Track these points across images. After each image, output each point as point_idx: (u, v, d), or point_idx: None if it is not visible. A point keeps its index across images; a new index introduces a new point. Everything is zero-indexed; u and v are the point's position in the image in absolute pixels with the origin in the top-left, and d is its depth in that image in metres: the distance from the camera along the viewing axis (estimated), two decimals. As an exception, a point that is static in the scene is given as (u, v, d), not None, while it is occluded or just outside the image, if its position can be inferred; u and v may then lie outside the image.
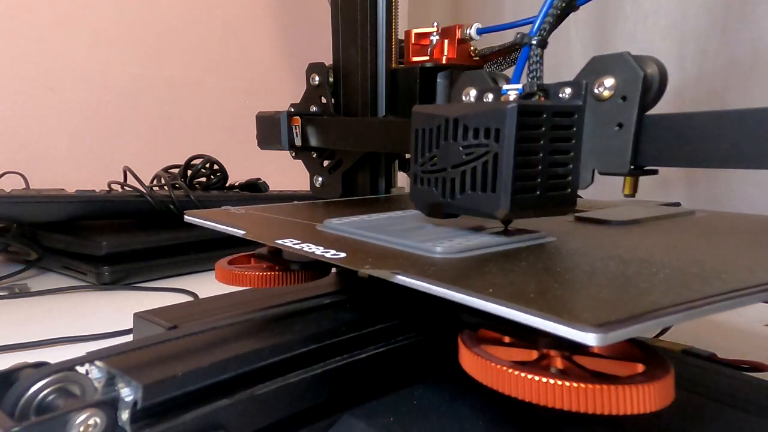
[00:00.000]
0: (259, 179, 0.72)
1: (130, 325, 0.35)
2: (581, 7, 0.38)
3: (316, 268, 0.34)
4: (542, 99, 0.32)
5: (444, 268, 0.23)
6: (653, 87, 0.29)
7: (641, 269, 0.23)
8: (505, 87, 0.32)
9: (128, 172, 0.65)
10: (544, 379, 0.19)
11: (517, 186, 0.28)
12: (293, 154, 0.51)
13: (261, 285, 0.32)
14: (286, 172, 0.64)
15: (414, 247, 0.26)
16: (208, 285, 0.56)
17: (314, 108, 0.49)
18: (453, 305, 0.20)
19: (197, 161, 0.73)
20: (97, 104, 0.85)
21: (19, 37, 0.78)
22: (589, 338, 0.16)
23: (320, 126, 0.47)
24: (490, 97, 0.33)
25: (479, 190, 0.29)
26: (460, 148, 0.29)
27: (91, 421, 0.19)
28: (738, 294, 0.20)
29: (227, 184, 0.73)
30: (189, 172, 0.72)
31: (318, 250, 0.26)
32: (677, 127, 0.29)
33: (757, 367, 0.30)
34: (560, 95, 0.31)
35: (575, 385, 0.19)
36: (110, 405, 0.20)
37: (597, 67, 0.31)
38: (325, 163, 0.50)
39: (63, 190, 0.63)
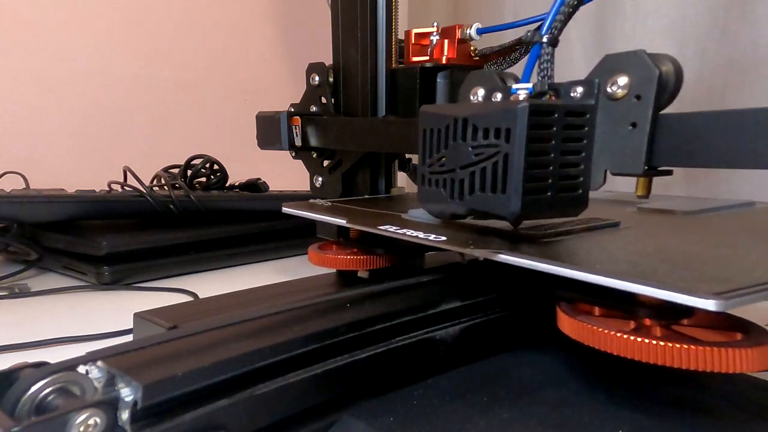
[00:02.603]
0: (259, 179, 0.72)
1: (130, 325, 0.35)
2: (581, 7, 0.39)
3: (397, 251, 0.37)
4: (553, 98, 0.31)
5: (540, 246, 0.25)
6: (669, 86, 0.29)
7: (730, 251, 0.25)
8: (514, 86, 0.31)
9: (128, 172, 0.65)
10: (662, 343, 0.22)
11: (528, 187, 0.27)
12: (293, 154, 0.51)
13: (354, 267, 0.36)
14: (286, 172, 0.64)
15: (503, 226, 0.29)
16: (208, 285, 0.56)
17: (314, 108, 0.49)
18: (545, 281, 0.24)
19: (197, 161, 0.73)
20: (97, 104, 0.85)
21: (19, 38, 0.78)
22: (713, 305, 0.18)
23: (320, 126, 0.47)
24: (499, 96, 0.33)
25: (489, 191, 0.28)
26: (470, 149, 0.29)
27: (91, 421, 0.19)
28: None
29: (227, 184, 0.73)
30: (189, 172, 0.72)
31: (421, 235, 0.28)
32: (693, 126, 0.28)
33: (758, 367, 0.30)
34: (572, 94, 0.31)
35: (685, 346, 0.21)
36: (110, 405, 0.20)
37: (610, 65, 0.30)
38: (325, 163, 0.50)
39: (63, 190, 0.63)
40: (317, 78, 0.48)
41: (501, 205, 0.28)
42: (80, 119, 0.84)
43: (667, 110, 0.29)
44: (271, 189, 0.72)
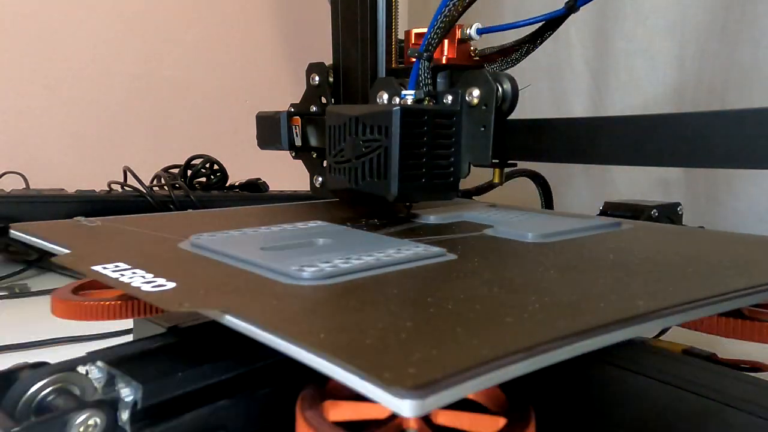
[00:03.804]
0: (259, 179, 0.72)
1: (130, 325, 0.35)
2: (581, 8, 0.39)
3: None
4: (430, 103, 0.38)
5: (293, 300, 0.20)
6: (507, 98, 0.37)
7: (520, 298, 0.21)
8: (403, 92, 0.38)
9: (128, 172, 0.65)
10: None
11: (404, 174, 0.34)
12: (293, 154, 0.51)
13: (108, 317, 0.25)
14: (286, 172, 0.64)
15: (276, 272, 0.23)
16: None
17: (314, 108, 0.49)
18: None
19: (197, 161, 0.73)
20: (97, 104, 0.85)
21: (19, 38, 0.78)
22: (403, 407, 0.13)
23: (320, 126, 0.47)
24: (397, 100, 0.39)
25: (375, 177, 0.34)
26: (361, 142, 0.35)
27: (91, 422, 0.19)
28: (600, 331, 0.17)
29: (227, 184, 0.73)
30: (189, 172, 0.72)
31: (138, 280, 0.22)
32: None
33: (757, 367, 0.30)
34: (444, 101, 0.38)
35: None
36: (110, 405, 0.20)
37: (469, 79, 0.38)
38: (325, 163, 0.50)
39: (63, 190, 0.63)
40: (317, 78, 0.48)
41: (384, 188, 0.34)
42: (80, 119, 0.83)
43: (668, 109, 0.29)
44: (271, 189, 0.72)
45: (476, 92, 0.37)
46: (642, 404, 0.26)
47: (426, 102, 0.38)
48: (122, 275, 0.22)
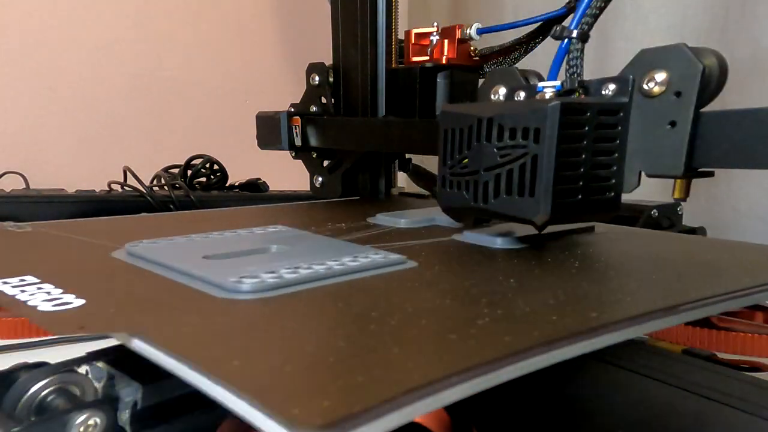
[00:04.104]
0: (259, 179, 0.72)
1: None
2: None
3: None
4: (582, 96, 0.29)
5: (220, 319, 0.19)
6: (712, 82, 0.27)
7: (472, 310, 0.19)
8: (540, 84, 0.30)
9: (128, 172, 0.65)
10: None
11: (558, 189, 0.26)
12: (293, 154, 0.51)
13: (9, 335, 0.24)
14: (286, 172, 0.64)
15: (212, 284, 0.21)
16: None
17: (314, 108, 0.49)
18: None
19: (197, 161, 0.73)
20: (97, 104, 0.85)
21: (19, 38, 0.78)
22: None
23: (320, 126, 0.47)
24: (522, 95, 0.31)
25: (516, 194, 0.27)
26: (495, 150, 0.27)
27: (91, 422, 0.19)
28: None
29: (227, 184, 0.73)
30: (189, 172, 0.72)
31: (39, 298, 0.19)
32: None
33: (757, 367, 0.30)
34: (603, 92, 0.29)
35: None
36: (110, 405, 0.20)
37: (647, 60, 0.28)
38: (325, 163, 0.50)
39: (63, 190, 0.63)
40: (317, 78, 0.48)
41: (529, 208, 0.27)
42: (80, 119, 0.83)
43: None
44: (271, 189, 0.72)
45: (661, 76, 0.27)
46: (642, 404, 0.26)
47: (577, 95, 0.30)
48: (22, 291, 0.20)
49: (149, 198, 0.60)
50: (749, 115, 0.26)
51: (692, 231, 0.48)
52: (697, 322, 0.27)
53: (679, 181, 0.29)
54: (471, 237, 0.31)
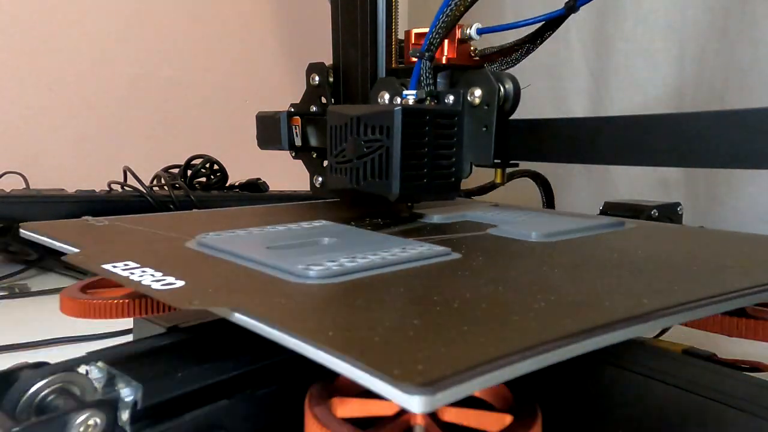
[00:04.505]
0: (259, 179, 0.72)
1: (130, 325, 0.35)
2: (581, 8, 0.39)
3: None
4: (433, 104, 0.38)
5: (301, 299, 0.20)
6: (509, 98, 0.37)
7: (525, 297, 0.21)
8: (405, 92, 0.38)
9: (128, 172, 0.65)
10: None
11: (405, 174, 0.34)
12: (293, 154, 0.51)
13: (116, 315, 0.25)
14: (286, 172, 0.64)
15: (283, 270, 0.23)
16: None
17: (314, 108, 0.49)
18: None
19: (197, 161, 0.73)
20: (97, 104, 0.85)
21: (19, 37, 0.78)
22: (412, 403, 0.13)
23: (320, 126, 0.47)
24: (398, 100, 0.39)
25: (377, 177, 0.34)
26: (362, 142, 0.35)
27: (91, 422, 0.19)
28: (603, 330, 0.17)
29: (227, 184, 0.73)
30: (189, 172, 0.72)
31: (148, 279, 0.22)
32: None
33: (757, 367, 0.30)
34: (446, 101, 0.38)
35: None
36: (110, 405, 0.20)
37: (469, 79, 0.38)
38: (325, 163, 0.50)
39: (63, 190, 0.63)
40: (317, 78, 0.48)
41: (385, 188, 0.34)
42: (80, 119, 0.83)
43: (668, 109, 0.29)
44: (271, 189, 0.72)
45: (478, 92, 0.37)
46: (642, 404, 0.26)
47: (427, 102, 0.38)
48: (132, 274, 0.22)
49: (149, 198, 0.60)
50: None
51: (692, 231, 0.48)
52: (732, 312, 0.28)
53: (497, 170, 0.39)
54: (505, 231, 0.32)
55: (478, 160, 0.38)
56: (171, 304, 0.20)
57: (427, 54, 0.38)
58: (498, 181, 0.40)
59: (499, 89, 0.37)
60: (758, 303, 0.27)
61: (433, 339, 0.16)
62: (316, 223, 0.34)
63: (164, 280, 0.22)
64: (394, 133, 0.33)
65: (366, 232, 0.32)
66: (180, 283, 0.21)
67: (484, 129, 0.37)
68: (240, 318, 0.18)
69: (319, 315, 0.19)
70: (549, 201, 0.58)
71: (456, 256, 0.27)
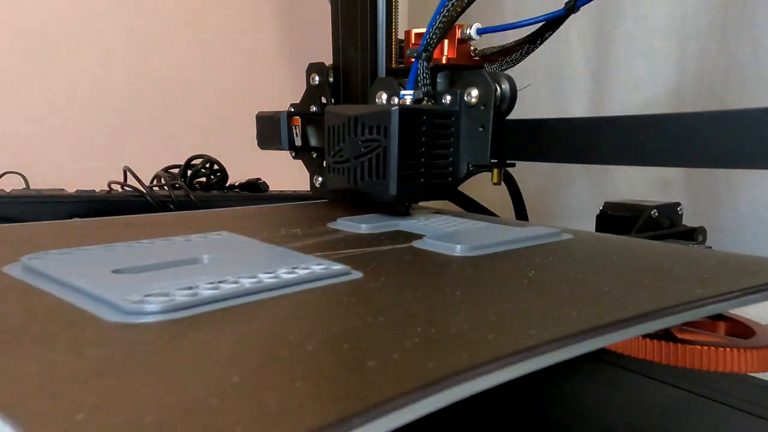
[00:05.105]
0: (259, 179, 0.72)
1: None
2: (581, 8, 0.39)
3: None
4: (430, 104, 0.38)
5: (88, 351, 0.16)
6: (506, 98, 0.37)
7: (403, 330, 0.18)
8: (402, 92, 0.38)
9: (128, 172, 0.65)
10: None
11: (402, 174, 0.34)
12: (293, 154, 0.51)
13: None
14: (286, 172, 0.64)
15: (106, 304, 0.19)
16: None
17: (314, 108, 0.49)
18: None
19: (197, 161, 0.73)
20: (97, 104, 0.85)
21: (19, 37, 0.78)
22: None
23: (320, 126, 0.47)
24: (396, 100, 0.39)
25: (374, 177, 0.34)
26: (360, 143, 0.35)
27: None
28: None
29: (227, 184, 0.73)
30: (189, 172, 0.72)
31: None
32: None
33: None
34: (443, 101, 0.38)
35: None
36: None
37: (467, 79, 0.38)
38: (324, 162, 0.50)
39: (63, 190, 0.63)
40: (317, 78, 0.48)
41: (383, 188, 0.34)
42: (80, 119, 0.83)
43: (668, 109, 0.29)
44: (271, 189, 0.72)
45: (475, 92, 0.37)
46: (642, 404, 0.26)
47: (425, 102, 0.38)
48: None
49: (149, 198, 0.60)
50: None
51: (692, 231, 0.48)
52: (658, 336, 0.25)
53: (495, 169, 0.39)
54: (430, 244, 0.30)
55: (475, 160, 0.38)
56: None
57: (424, 54, 0.38)
58: (495, 181, 0.40)
59: (496, 89, 0.37)
60: (685, 322, 0.25)
61: (234, 414, 0.12)
62: (213, 235, 0.30)
63: None
64: (391, 133, 0.33)
65: (264, 246, 0.28)
66: None
67: (481, 129, 0.37)
68: None
69: (85, 383, 0.14)
70: (518, 205, 0.53)
71: (356, 275, 0.24)
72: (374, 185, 0.35)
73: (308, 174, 0.51)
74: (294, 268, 0.23)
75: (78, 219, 0.38)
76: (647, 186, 0.74)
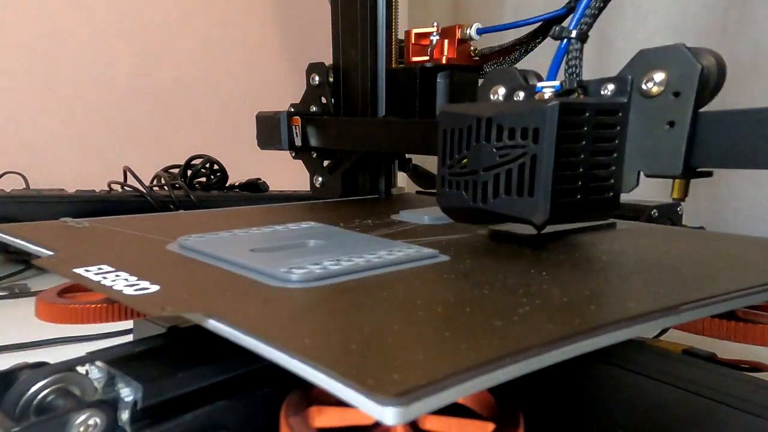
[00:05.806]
0: (259, 179, 0.72)
1: (130, 325, 0.35)
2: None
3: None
4: (581, 96, 0.29)
5: (280, 304, 0.20)
6: (711, 82, 0.27)
7: (511, 300, 0.20)
8: (539, 84, 0.30)
9: (128, 172, 0.65)
10: None
11: (557, 190, 0.26)
12: (293, 154, 0.51)
13: (92, 320, 0.24)
14: (286, 172, 0.64)
15: (264, 274, 0.22)
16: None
17: (314, 108, 0.49)
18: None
19: (197, 161, 0.73)
20: (97, 104, 0.85)
21: (19, 37, 0.78)
22: (386, 414, 0.12)
23: (320, 126, 0.47)
24: (521, 95, 0.31)
25: (515, 194, 0.27)
26: (494, 150, 0.27)
27: (91, 422, 0.19)
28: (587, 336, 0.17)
29: (227, 184, 0.73)
30: (189, 172, 0.72)
31: (121, 284, 0.21)
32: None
33: (757, 367, 0.30)
34: (602, 92, 0.29)
35: None
36: (110, 405, 0.20)
37: (645, 60, 0.28)
38: (325, 163, 0.50)
39: (63, 190, 0.63)
40: (317, 78, 0.48)
41: (528, 208, 0.27)
42: (80, 119, 0.83)
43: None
44: (271, 189, 0.72)
45: (660, 76, 0.27)
46: (642, 404, 0.26)
47: (575, 95, 0.30)
48: (104, 278, 0.22)
49: (149, 198, 0.60)
50: (749, 115, 0.26)
51: (692, 231, 0.48)
52: (722, 315, 0.27)
53: (677, 181, 0.29)
54: (498, 234, 0.32)
55: (654, 169, 0.28)
56: (141, 311, 0.19)
57: (576, 32, 0.29)
58: (677, 196, 0.30)
59: (702, 70, 0.27)
60: (749, 306, 0.26)
61: (412, 346, 0.16)
62: (304, 225, 0.33)
63: (138, 284, 0.21)
64: (546, 137, 0.26)
65: (353, 234, 0.31)
66: (154, 288, 0.20)
67: (667, 126, 0.27)
68: (214, 324, 0.17)
69: (297, 321, 0.18)
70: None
71: (444, 258, 0.26)
72: (514, 204, 0.27)
73: (308, 174, 0.51)
74: (391, 250, 0.26)
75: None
76: (647, 186, 0.74)
